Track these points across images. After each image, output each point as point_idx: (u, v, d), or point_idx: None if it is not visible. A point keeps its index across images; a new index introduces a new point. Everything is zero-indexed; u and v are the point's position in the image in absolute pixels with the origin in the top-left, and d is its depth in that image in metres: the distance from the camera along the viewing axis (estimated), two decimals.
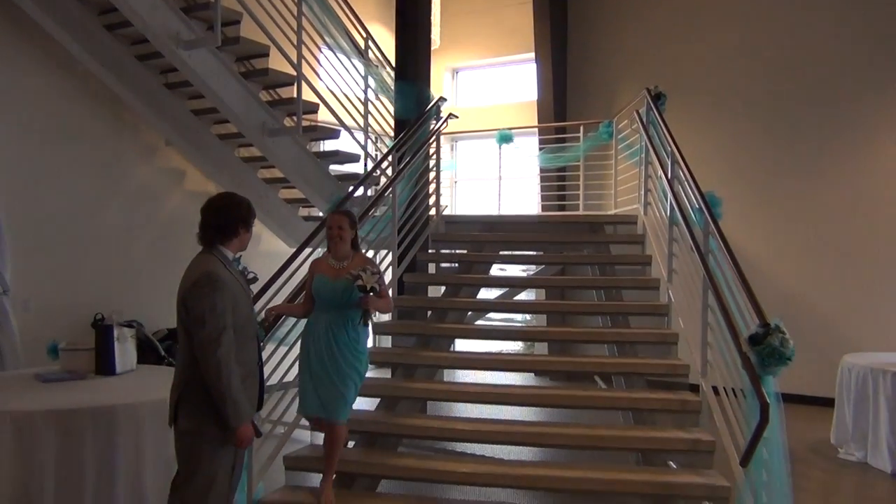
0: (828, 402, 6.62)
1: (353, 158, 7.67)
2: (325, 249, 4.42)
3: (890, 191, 7.90)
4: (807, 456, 6.15)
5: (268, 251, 7.54)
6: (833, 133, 8.21)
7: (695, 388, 5.01)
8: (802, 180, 8.36)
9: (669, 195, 5.52)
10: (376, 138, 7.99)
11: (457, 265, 7.07)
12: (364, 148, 7.58)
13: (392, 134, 7.52)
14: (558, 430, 4.96)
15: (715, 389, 4.62)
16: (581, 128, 8.66)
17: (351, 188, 6.52)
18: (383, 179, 6.92)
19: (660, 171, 5.86)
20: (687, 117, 8.37)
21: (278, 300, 4.78)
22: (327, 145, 8.15)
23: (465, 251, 7.16)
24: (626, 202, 7.42)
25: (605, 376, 6.85)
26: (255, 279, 3.70)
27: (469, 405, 6.45)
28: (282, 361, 4.88)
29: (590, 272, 7.14)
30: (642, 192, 6.69)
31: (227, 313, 3.15)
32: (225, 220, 3.34)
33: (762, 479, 3.86)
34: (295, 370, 4.54)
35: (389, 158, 6.62)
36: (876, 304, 7.87)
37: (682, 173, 5.56)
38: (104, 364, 4.94)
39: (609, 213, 7.86)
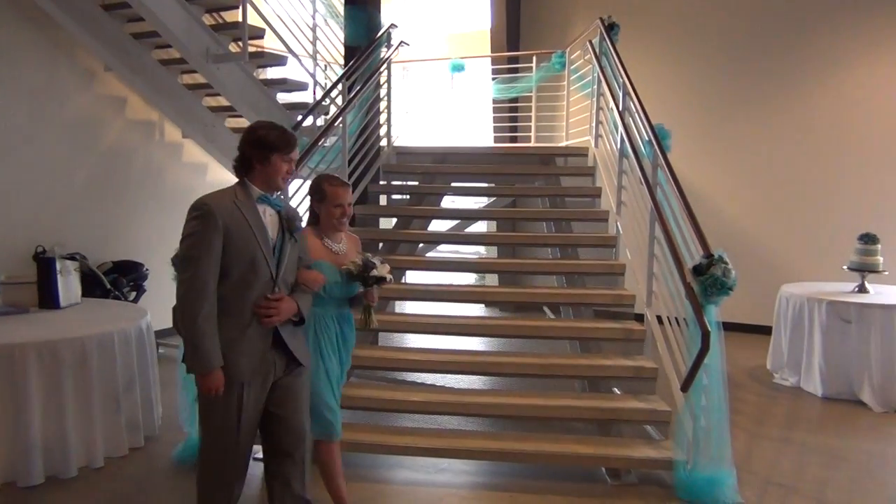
0: (765, 330, 6.88)
1: (301, 86, 7.48)
2: (309, 224, 3.52)
3: (831, 127, 8.05)
4: (744, 381, 6.42)
5: (217, 182, 7.38)
6: (780, 68, 8.28)
7: (640, 318, 5.16)
8: (749, 114, 8.45)
9: (620, 127, 5.54)
10: (325, 66, 7.79)
11: (408, 197, 7.04)
12: (313, 76, 7.39)
13: (342, 62, 7.33)
14: (507, 360, 5.06)
15: (659, 319, 4.76)
16: (534, 58, 8.56)
17: (300, 117, 6.37)
18: (333, 109, 6.79)
19: (611, 103, 5.86)
20: (639, 49, 8.34)
21: None
22: (275, 73, 7.92)
23: (416, 182, 7.12)
24: (578, 134, 7.43)
25: (554, 307, 6.98)
26: (295, 227, 3.04)
27: (420, 336, 6.53)
28: None
29: (540, 204, 7.19)
30: (594, 125, 6.70)
31: (208, 246, 2.73)
32: (241, 149, 2.96)
33: (701, 404, 4.03)
34: None
35: (339, 87, 6.47)
36: (813, 236, 8.11)
37: (632, 105, 5.58)
38: (47, 297, 4.85)
39: (561, 145, 7.87)
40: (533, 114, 8.63)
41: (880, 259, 6.30)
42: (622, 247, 5.67)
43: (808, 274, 7.48)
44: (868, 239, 6.32)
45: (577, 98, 7.66)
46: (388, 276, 3.38)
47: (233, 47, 6.67)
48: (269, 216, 2.94)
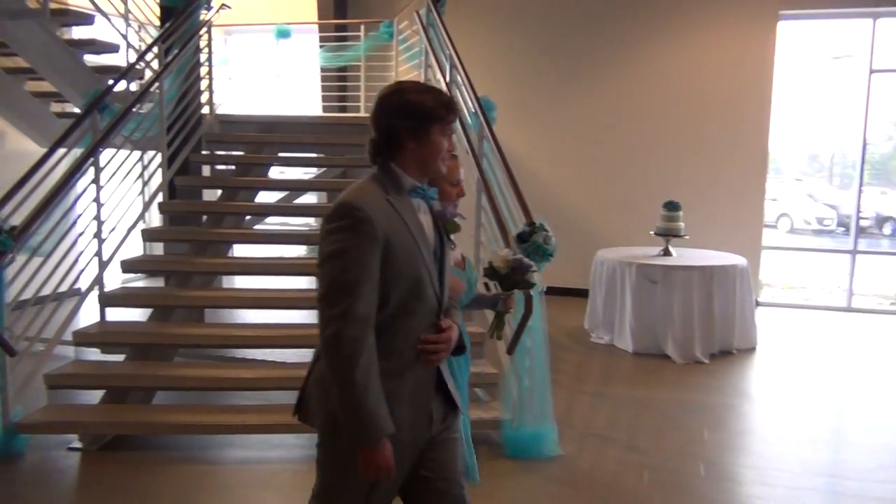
0: (583, 293, 7.33)
1: (111, 48, 6.94)
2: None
3: (644, 100, 8.64)
4: (564, 341, 6.82)
5: (15, 152, 6.71)
6: (599, 42, 8.74)
7: None
8: (570, 87, 8.88)
9: None
10: (139, 27, 7.27)
11: (233, 167, 6.78)
12: (125, 37, 6.88)
13: (157, 23, 6.88)
14: None
15: (487, 286, 4.93)
16: (362, 27, 8.48)
17: (111, 81, 5.92)
18: (148, 73, 6.37)
19: (439, 75, 5.94)
20: (466, 21, 8.49)
21: (28, 209, 4.32)
22: (82, 32, 7.29)
23: (241, 153, 6.86)
24: None
25: None
26: (455, 226, 2.30)
27: (250, 311, 6.36)
28: (35, 275, 4.46)
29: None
30: None
31: (366, 267, 1.94)
32: (381, 122, 2.09)
33: (525, 365, 4.25)
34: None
35: (155, 50, 6.08)
36: (626, 204, 8.71)
37: (459, 77, 5.68)
38: None
39: None
40: (362, 83, 8.56)
41: (682, 225, 6.88)
42: None
43: (620, 239, 8.03)
44: (671, 206, 6.89)
45: (407, 68, 7.68)
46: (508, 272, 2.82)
47: (32, 2, 6.06)
48: (423, 214, 2.14)
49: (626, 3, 8.66)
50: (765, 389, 5.72)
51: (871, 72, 8.20)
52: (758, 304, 8.17)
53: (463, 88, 5.59)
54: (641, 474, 4.08)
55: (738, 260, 6.73)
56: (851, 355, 6.81)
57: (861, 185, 8.65)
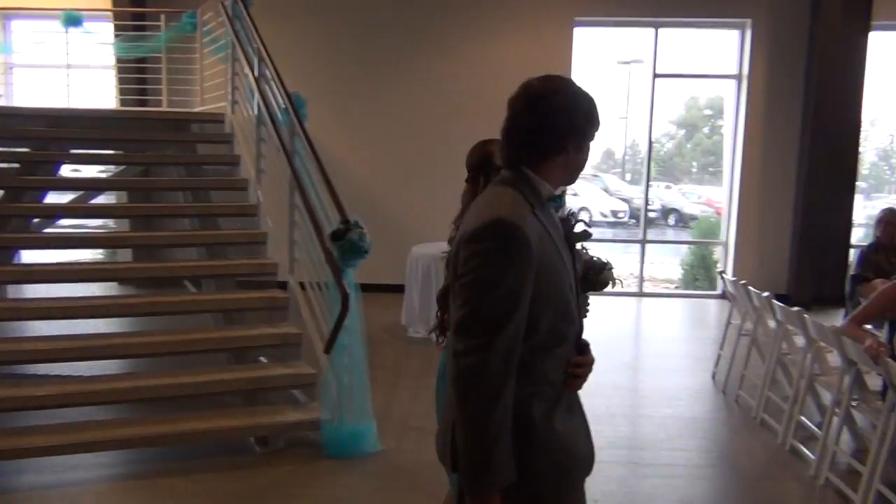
0: (399, 289, 7.42)
1: None
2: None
3: (458, 95, 8.87)
4: (382, 337, 6.87)
5: None
6: (413, 37, 8.86)
7: (284, 286, 5.21)
8: (383, 83, 8.92)
9: (256, 94, 5.48)
10: None
11: (17, 165, 6.15)
12: None
13: None
14: (145, 339, 4.77)
15: (302, 285, 4.86)
16: (162, 16, 8.02)
17: None
18: None
19: (247, 69, 5.75)
20: (276, 14, 8.27)
21: None
22: None
23: (26, 149, 6.25)
24: (214, 100, 7.16)
25: (195, 280, 6.71)
26: (586, 234, 2.09)
27: (41, 322, 5.81)
28: None
29: (175, 173, 6.82)
30: (230, 90, 6.52)
31: (522, 300, 1.70)
32: (544, 124, 1.81)
33: (344, 363, 4.24)
34: None
35: None
36: (440, 199, 8.90)
37: (268, 72, 5.54)
38: None
39: (195, 110, 7.53)
40: (164, 76, 8.10)
41: None
42: (263, 215, 5.65)
43: (436, 235, 8.15)
44: None
45: (212, 61, 7.37)
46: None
47: None
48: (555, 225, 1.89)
49: (436, 3, 8.85)
50: None
51: (655, 76, 8.98)
52: None
53: (272, 83, 5.46)
54: None
55: None
56: (644, 337, 7.45)
57: (648, 180, 9.45)
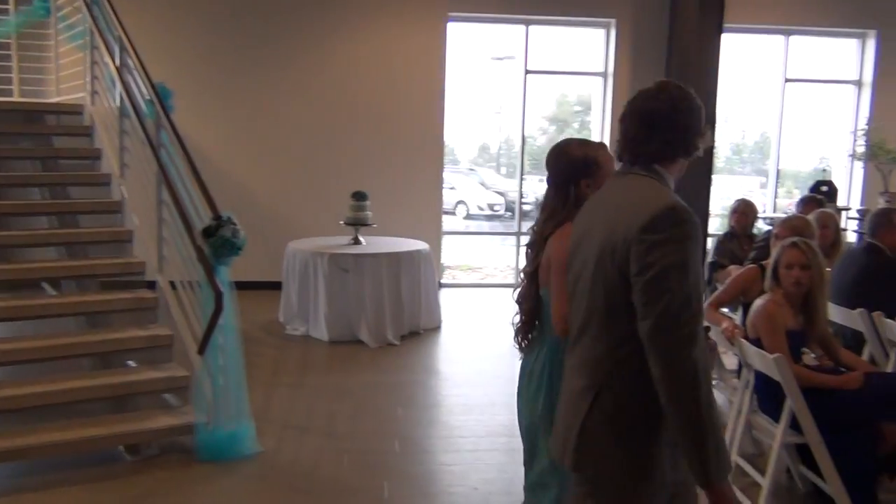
0: (276, 286, 7.27)
1: None
2: (561, 218, 2.49)
3: (334, 88, 8.75)
4: (259, 335, 6.71)
5: None
6: (286, 28, 8.64)
7: (152, 285, 4.98)
8: (256, 74, 8.66)
9: (118, 84, 5.20)
10: None
11: None
12: None
13: None
14: (1, 347, 4.42)
15: (172, 284, 4.67)
16: (10, 0, 7.44)
17: None
18: None
19: (107, 58, 5.44)
20: (139, 1, 7.88)
21: None
22: None
23: None
24: (71, 90, 6.73)
25: (55, 281, 6.29)
26: None
27: None
28: None
29: (30, 168, 6.36)
30: (89, 80, 6.15)
31: (701, 282, 1.82)
32: (677, 123, 1.95)
33: (218, 363, 4.11)
34: None
35: None
36: (316, 194, 8.79)
37: (131, 61, 5.27)
38: None
39: (51, 101, 7.04)
40: (14, 64, 7.53)
41: (370, 214, 7.14)
42: (129, 212, 5.38)
43: (312, 230, 8.08)
44: (359, 196, 7.11)
45: (69, 49, 6.92)
46: None
47: None
48: None
49: None
50: (450, 364, 6.19)
51: (527, 73, 9.22)
52: (441, 285, 8.79)
53: (135, 73, 5.20)
54: (341, 459, 4.18)
55: (422, 245, 7.17)
56: None
57: (522, 173, 9.71)
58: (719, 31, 8.72)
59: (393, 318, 6.62)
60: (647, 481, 1.88)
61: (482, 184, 17.00)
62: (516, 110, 9.39)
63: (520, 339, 2.72)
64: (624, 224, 1.83)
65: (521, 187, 9.71)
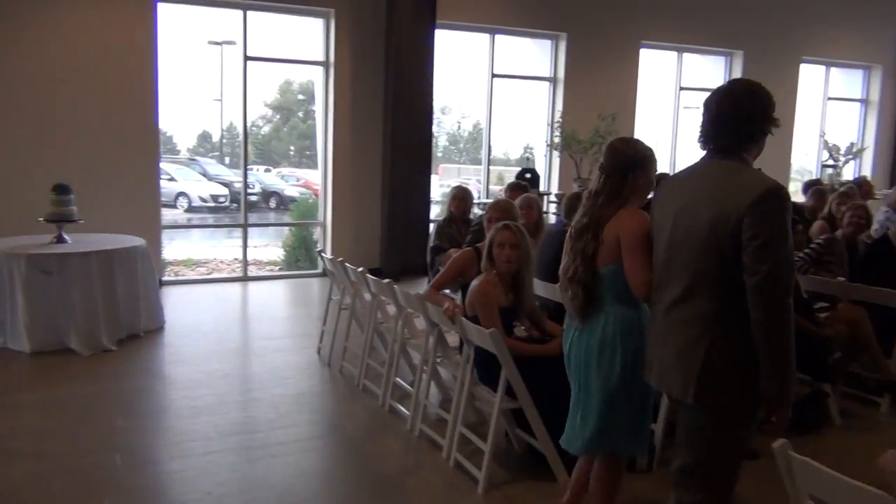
0: None
1: None
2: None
3: (25, 79, 7.76)
4: None
5: None
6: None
7: None
8: None
9: None
10: None
11: None
12: None
13: None
14: None
15: None
16: None
17: None
18: None
19: None
20: None
21: None
22: None
23: None
24: None
25: None
26: None
27: None
28: None
29: None
30: None
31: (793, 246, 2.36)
32: (750, 116, 2.45)
33: None
34: None
35: None
36: (8, 189, 7.78)
37: None
38: None
39: None
40: None
41: (75, 209, 6.48)
42: None
43: (6, 229, 7.15)
44: (61, 189, 6.41)
45: None
46: None
47: None
48: None
49: None
50: (176, 366, 5.83)
51: (247, 59, 8.94)
52: (162, 283, 8.27)
53: None
54: (52, 482, 3.76)
55: (138, 241, 6.66)
56: (250, 321, 7.47)
57: (247, 163, 9.43)
58: (433, 26, 9.18)
59: (107, 322, 6.08)
60: (754, 410, 2.41)
61: (204, 174, 16.29)
62: (237, 97, 9.08)
63: (580, 315, 2.95)
64: (735, 201, 2.32)
65: (245, 177, 9.41)
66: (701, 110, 2.52)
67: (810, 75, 12.70)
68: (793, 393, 2.32)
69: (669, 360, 2.52)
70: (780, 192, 2.31)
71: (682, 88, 11.77)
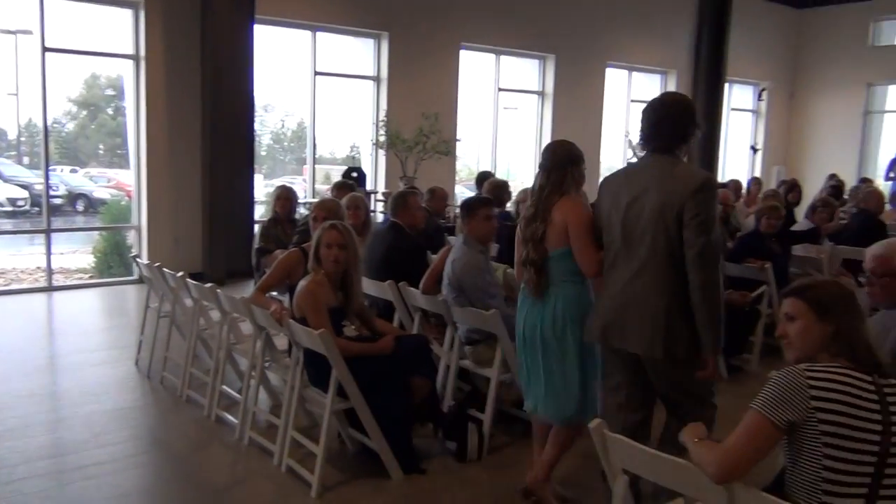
0: None
1: None
2: None
3: None
4: None
5: None
6: None
7: None
8: None
9: None
10: None
11: None
12: None
13: None
14: None
15: None
16: None
17: None
18: None
19: None
20: None
21: None
22: None
23: None
24: None
25: None
26: None
27: None
28: None
29: None
30: None
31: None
32: (680, 122, 3.02)
33: None
34: None
35: None
36: None
37: None
38: None
39: None
40: None
41: None
42: None
43: None
44: None
45: None
46: None
47: None
48: None
49: None
50: None
51: (45, 50, 8.24)
52: None
53: None
54: None
55: None
56: (58, 334, 6.89)
57: (48, 164, 8.68)
58: (251, 20, 8.91)
59: None
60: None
61: (0, 176, 14.85)
62: (36, 92, 8.33)
63: (536, 292, 3.37)
64: (680, 187, 2.86)
65: (47, 178, 8.66)
66: (640, 118, 3.09)
67: (615, 79, 13.66)
68: (720, 342, 2.87)
69: (633, 322, 2.97)
70: (713, 182, 2.92)
71: (500, 89, 12.23)
